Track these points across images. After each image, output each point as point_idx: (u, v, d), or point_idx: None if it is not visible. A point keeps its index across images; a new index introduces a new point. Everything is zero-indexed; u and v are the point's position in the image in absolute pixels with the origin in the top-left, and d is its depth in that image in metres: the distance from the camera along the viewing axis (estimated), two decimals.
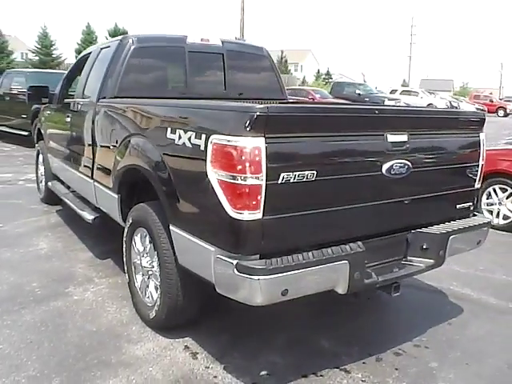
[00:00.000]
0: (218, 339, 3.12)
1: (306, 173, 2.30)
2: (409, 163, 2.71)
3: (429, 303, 3.82)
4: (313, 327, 3.32)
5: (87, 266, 4.25)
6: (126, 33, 46.53)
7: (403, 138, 2.68)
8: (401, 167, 2.67)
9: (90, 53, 4.83)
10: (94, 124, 4.00)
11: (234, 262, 2.25)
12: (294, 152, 2.30)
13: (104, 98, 3.96)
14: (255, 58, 4.81)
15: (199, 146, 2.42)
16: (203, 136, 2.39)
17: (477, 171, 3.20)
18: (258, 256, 2.29)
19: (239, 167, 2.18)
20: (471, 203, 3.22)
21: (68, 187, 5.24)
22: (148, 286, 3.18)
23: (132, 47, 4.05)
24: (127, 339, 3.07)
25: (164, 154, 2.79)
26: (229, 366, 2.84)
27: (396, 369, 2.86)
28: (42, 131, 6.03)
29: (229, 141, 2.21)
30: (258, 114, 2.15)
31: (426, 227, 2.92)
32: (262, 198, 2.21)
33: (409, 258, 2.91)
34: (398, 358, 2.98)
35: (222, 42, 4.57)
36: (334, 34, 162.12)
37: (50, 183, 5.71)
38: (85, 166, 4.28)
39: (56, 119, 5.38)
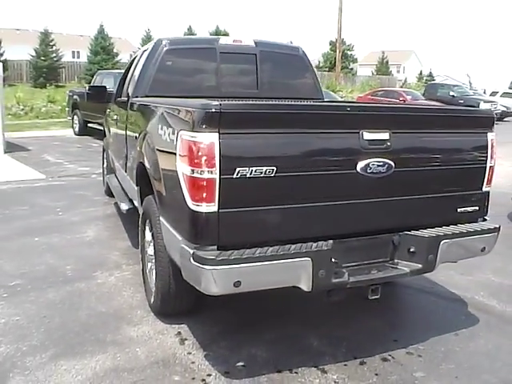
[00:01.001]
0: (210, 329, 3.25)
1: (264, 168, 2.34)
2: (390, 162, 2.61)
3: (443, 311, 3.60)
4: (307, 325, 3.31)
5: (121, 253, 4.60)
6: (227, 35, 48.46)
7: (383, 136, 2.59)
8: (380, 166, 2.58)
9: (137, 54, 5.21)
10: (127, 121, 4.33)
11: (191, 251, 2.37)
12: (250, 148, 2.36)
13: (137, 96, 4.26)
14: (290, 58, 4.83)
15: (173, 141, 2.56)
16: (176, 132, 2.54)
17: (484, 173, 2.96)
18: (216, 247, 2.38)
19: (196, 161, 2.29)
20: (477, 207, 2.99)
21: (118, 180, 5.70)
22: (152, 274, 3.40)
23: (164, 49, 4.31)
24: (128, 321, 3.31)
25: (156, 149, 2.97)
26: (210, 354, 2.95)
27: (376, 374, 2.78)
28: (105, 128, 6.60)
29: (191, 136, 2.33)
30: (211, 110, 2.25)
31: (416, 230, 2.78)
32: (216, 191, 2.30)
33: (396, 260, 2.79)
34: (383, 363, 2.88)
35: (256, 43, 4.67)
36: (438, 34, 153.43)
37: (107, 176, 6.23)
38: (121, 160, 4.64)
39: (108, 116, 5.87)
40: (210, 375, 2.74)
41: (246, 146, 2.35)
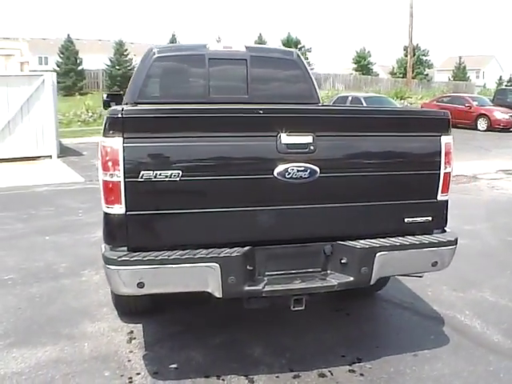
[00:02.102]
0: (163, 329, 3.31)
1: (170, 172, 2.36)
2: (314, 167, 2.50)
3: (412, 329, 3.37)
4: (258, 333, 3.26)
5: None
6: (299, 43, 48.64)
7: (305, 139, 2.49)
8: (300, 171, 2.48)
9: None
10: None
11: (103, 251, 2.45)
12: (155, 152, 2.38)
13: (127, 103, 4.45)
14: (283, 62, 4.77)
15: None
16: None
17: (437, 181, 2.74)
18: (126, 248, 2.44)
19: (105, 165, 2.37)
20: (430, 217, 2.77)
21: None
22: None
23: (154, 56, 4.46)
24: (91, 318, 3.47)
25: None
26: (149, 354, 3.01)
27: None
28: None
29: (102, 141, 2.41)
30: (114, 116, 2.32)
31: (353, 240, 2.63)
32: (123, 194, 2.35)
33: (329, 271, 2.66)
34: (318, 379, 2.77)
35: (247, 48, 4.68)
36: None
37: None
38: None
39: None
40: (138, 374, 2.79)
41: (151, 150, 2.38)
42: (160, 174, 2.36)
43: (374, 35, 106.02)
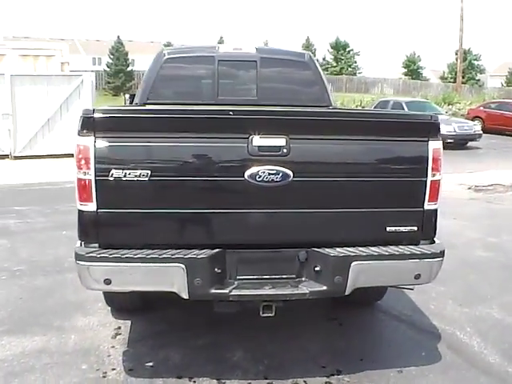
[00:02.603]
0: (149, 327, 3.35)
1: (139, 172, 2.37)
2: (286, 171, 2.43)
3: (403, 344, 3.23)
4: (242, 337, 3.21)
5: None
6: (347, 46, 47.93)
7: (278, 142, 2.43)
8: (272, 174, 2.42)
9: None
10: None
11: (75, 247, 2.49)
12: (125, 151, 2.40)
13: (136, 104, 4.53)
14: (294, 64, 4.70)
15: None
16: None
17: (423, 188, 2.59)
18: (97, 245, 2.47)
19: (78, 163, 2.41)
20: (415, 227, 2.62)
21: None
22: None
23: (164, 58, 4.52)
24: (84, 312, 3.54)
25: None
26: (130, 351, 3.04)
27: None
28: None
29: (76, 140, 2.45)
30: (86, 116, 2.36)
31: (329, 247, 2.54)
32: (93, 191, 2.39)
33: (304, 279, 2.58)
34: None
35: (257, 49, 4.65)
36: None
37: None
38: None
39: None
40: (114, 369, 2.83)
41: (121, 149, 2.40)
42: (129, 174, 2.37)
43: (426, 39, 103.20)
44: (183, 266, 2.38)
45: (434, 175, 2.59)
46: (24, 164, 10.38)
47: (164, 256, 2.39)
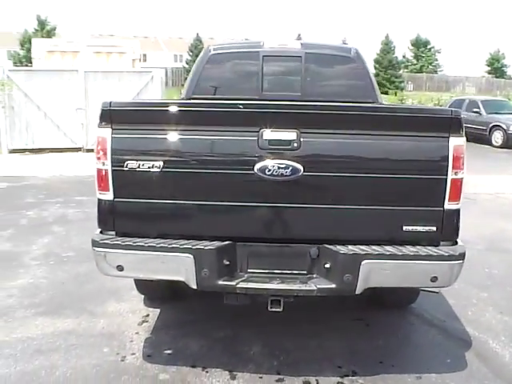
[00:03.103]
0: (176, 317, 3.46)
1: (152, 163, 2.45)
2: (297, 165, 2.40)
3: (429, 349, 3.07)
4: (262, 332, 3.21)
5: None
6: (428, 43, 46.00)
7: (288, 136, 2.40)
8: (281, 168, 2.40)
9: None
10: None
11: (93, 235, 2.62)
12: (139, 143, 2.49)
13: (182, 99, 4.66)
14: (340, 59, 4.61)
15: None
16: None
17: (444, 187, 2.45)
18: (114, 233, 2.58)
19: (97, 154, 2.53)
20: (434, 227, 2.48)
21: None
22: None
23: (209, 53, 4.62)
24: (118, 298, 3.71)
25: None
26: (152, 338, 3.15)
27: None
28: None
29: (97, 132, 2.58)
30: (105, 108, 2.47)
31: (342, 244, 2.48)
32: (110, 181, 2.50)
33: (315, 275, 2.54)
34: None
35: (302, 45, 4.61)
36: None
37: None
38: None
39: None
40: (133, 354, 2.94)
41: (135, 141, 2.49)
42: (143, 165, 2.46)
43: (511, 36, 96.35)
44: (191, 256, 2.43)
45: (455, 173, 2.44)
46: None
47: (173, 246, 2.45)
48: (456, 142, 2.43)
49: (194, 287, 2.50)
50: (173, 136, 2.48)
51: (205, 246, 2.44)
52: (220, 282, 2.47)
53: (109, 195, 2.54)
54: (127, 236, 2.55)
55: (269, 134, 2.41)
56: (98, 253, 2.53)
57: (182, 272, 2.47)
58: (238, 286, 2.46)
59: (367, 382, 2.70)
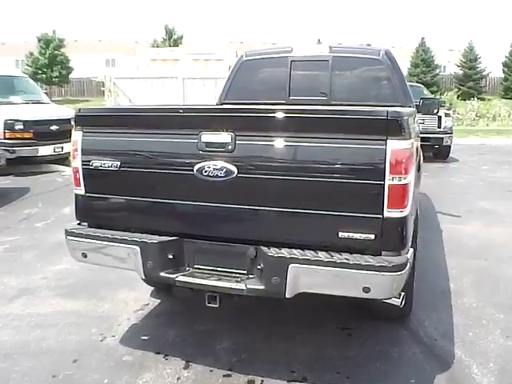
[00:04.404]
0: (170, 307, 3.68)
1: (111, 163, 2.71)
2: (231, 167, 2.46)
3: (400, 368, 2.89)
4: (243, 331, 3.29)
5: None
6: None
7: (223, 138, 2.47)
8: (216, 170, 2.49)
9: None
10: None
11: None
12: (101, 144, 2.77)
13: (216, 104, 4.91)
14: (367, 62, 4.48)
15: None
16: None
17: (380, 193, 2.30)
18: (87, 224, 2.90)
19: (73, 154, 2.88)
20: (373, 235, 2.35)
21: None
22: None
23: (241, 60, 4.83)
24: (130, 287, 4.02)
25: None
26: (138, 324, 3.42)
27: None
28: None
29: (72, 135, 2.93)
30: (76, 114, 2.82)
31: (276, 247, 2.48)
32: (81, 178, 2.83)
33: (252, 275, 2.56)
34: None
35: (331, 48, 4.57)
36: None
37: None
38: None
39: None
40: (113, 336, 3.24)
41: (98, 142, 2.77)
42: (104, 164, 2.74)
43: None
44: (138, 248, 2.65)
45: (393, 179, 2.31)
46: None
47: (123, 237, 2.69)
48: (395, 145, 2.29)
49: (142, 277, 2.72)
50: (125, 138, 2.74)
51: (149, 240, 2.64)
52: (162, 274, 2.64)
53: (81, 190, 2.87)
54: (97, 227, 2.85)
55: (207, 136, 2.53)
56: (67, 240, 2.88)
57: (131, 262, 2.70)
58: (177, 279, 2.62)
59: None
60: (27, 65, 32.09)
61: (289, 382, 2.72)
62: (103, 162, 2.74)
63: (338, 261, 2.34)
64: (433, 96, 15.03)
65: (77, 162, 2.84)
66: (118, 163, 2.71)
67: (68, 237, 2.86)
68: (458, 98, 24.12)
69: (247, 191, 2.53)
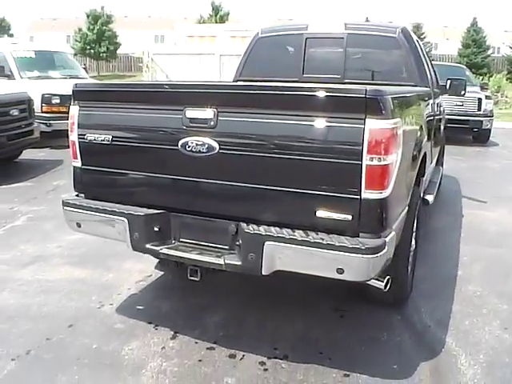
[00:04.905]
0: (171, 281, 3.77)
1: (104, 136, 2.78)
2: (212, 143, 2.47)
3: (384, 353, 2.84)
4: (237, 307, 3.33)
5: None
6: None
7: (206, 114, 2.47)
8: (199, 145, 2.50)
9: None
10: None
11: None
12: (95, 118, 2.85)
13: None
14: (383, 40, 4.31)
15: None
16: None
17: (358, 174, 2.24)
18: (84, 196, 3.01)
19: (70, 127, 2.97)
20: (350, 216, 2.31)
21: None
22: None
23: (256, 37, 4.77)
24: (137, 259, 4.03)
25: None
26: (137, 294, 3.53)
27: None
28: None
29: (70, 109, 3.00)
30: (73, 89, 2.89)
31: (256, 224, 2.48)
32: (78, 150, 2.92)
33: (233, 251, 2.58)
34: (225, 358, 2.74)
35: (346, 26, 4.42)
36: None
37: None
38: None
39: None
40: (111, 304, 3.35)
41: (93, 117, 2.85)
42: (98, 137, 2.82)
43: None
44: (126, 220, 2.72)
45: (371, 159, 2.24)
46: None
47: (113, 209, 2.77)
48: (374, 124, 2.22)
49: (130, 248, 2.79)
50: (117, 113, 2.80)
51: (135, 212, 2.71)
52: (148, 246, 2.72)
53: (78, 163, 2.97)
54: (93, 199, 2.95)
55: (191, 112, 2.54)
56: (64, 210, 2.99)
57: (120, 233, 2.78)
58: (160, 251, 2.69)
59: (289, 367, 2.66)
60: (76, 40, 33.03)
61: (269, 359, 2.74)
62: (97, 135, 2.82)
63: (312, 240, 2.32)
64: (475, 78, 14.26)
65: (74, 136, 2.93)
66: (110, 137, 2.78)
67: (64, 207, 2.97)
68: (507, 80, 22.88)
69: (228, 167, 2.53)
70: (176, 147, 2.60)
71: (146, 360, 2.73)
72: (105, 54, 32.94)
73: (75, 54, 32.93)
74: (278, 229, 2.42)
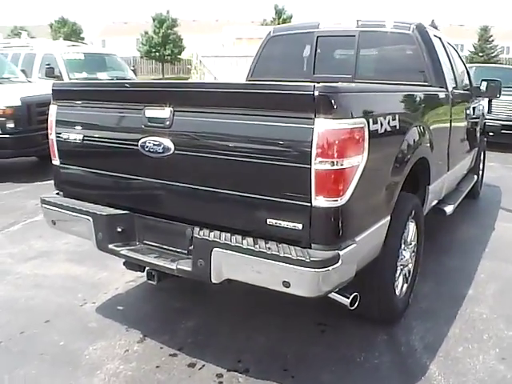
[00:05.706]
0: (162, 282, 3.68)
1: (75, 135, 2.79)
2: (168, 143, 2.38)
3: (352, 375, 2.57)
4: (216, 316, 3.23)
5: None
6: None
7: (163, 114, 2.38)
8: (155, 145, 2.42)
9: None
10: None
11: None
12: (68, 117, 2.87)
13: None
14: (396, 37, 4.02)
15: None
16: None
17: (307, 179, 2.05)
18: (63, 194, 3.03)
19: (50, 126, 3.00)
20: (301, 225, 2.11)
21: None
22: None
23: (269, 36, 4.64)
24: None
25: None
26: (122, 294, 3.51)
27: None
28: None
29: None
30: (52, 88, 2.92)
31: (209, 229, 2.35)
32: (56, 148, 2.95)
33: (189, 255, 2.47)
34: (185, 367, 2.63)
35: (358, 23, 4.17)
36: None
37: None
38: None
39: None
40: (93, 303, 3.35)
41: (67, 116, 2.86)
42: (71, 136, 2.83)
43: None
44: (91, 219, 2.70)
45: (323, 163, 2.04)
46: None
47: (80, 208, 2.76)
48: (325, 124, 2.02)
49: (95, 247, 2.76)
50: (87, 113, 2.80)
51: (99, 212, 2.68)
52: (110, 246, 2.69)
53: (56, 161, 3.00)
54: (69, 197, 2.96)
55: (149, 111, 2.48)
56: (42, 208, 3.03)
57: (87, 232, 2.76)
58: (121, 252, 2.64)
59: (246, 382, 2.51)
60: (141, 43, 34.32)
61: (228, 371, 2.60)
62: (70, 134, 2.83)
63: (257, 249, 2.15)
64: None
65: (52, 134, 2.96)
66: (81, 136, 2.78)
67: (42, 204, 3.01)
68: None
69: (182, 169, 2.44)
70: (136, 147, 2.54)
71: (105, 361, 2.69)
72: (169, 57, 33.97)
73: (141, 57, 34.32)
74: (227, 235, 2.28)
